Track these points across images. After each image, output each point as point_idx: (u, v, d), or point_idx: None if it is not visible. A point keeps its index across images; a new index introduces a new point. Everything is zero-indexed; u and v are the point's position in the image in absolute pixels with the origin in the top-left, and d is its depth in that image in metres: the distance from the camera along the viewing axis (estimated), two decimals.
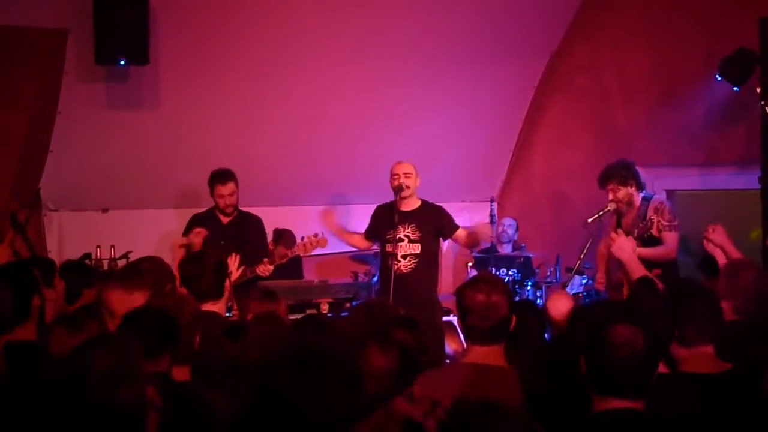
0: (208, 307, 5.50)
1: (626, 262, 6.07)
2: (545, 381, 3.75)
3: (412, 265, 8.09)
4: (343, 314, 8.50)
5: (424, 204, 8.30)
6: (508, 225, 10.69)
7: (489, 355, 4.43)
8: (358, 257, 10.46)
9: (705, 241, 6.70)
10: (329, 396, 3.11)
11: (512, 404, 3.82)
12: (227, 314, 6.32)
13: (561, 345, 3.98)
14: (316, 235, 8.26)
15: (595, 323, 3.77)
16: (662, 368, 4.20)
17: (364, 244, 8.63)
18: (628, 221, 8.29)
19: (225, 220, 8.50)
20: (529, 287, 9.69)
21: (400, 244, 8.08)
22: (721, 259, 6.51)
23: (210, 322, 5.01)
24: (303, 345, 3.29)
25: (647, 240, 7.87)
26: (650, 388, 3.61)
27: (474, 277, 4.76)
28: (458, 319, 4.54)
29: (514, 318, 4.52)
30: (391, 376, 3.71)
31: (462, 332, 4.55)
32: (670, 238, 8.21)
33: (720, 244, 6.59)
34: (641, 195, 8.41)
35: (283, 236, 9.74)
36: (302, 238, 8.29)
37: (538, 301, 9.55)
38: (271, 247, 9.26)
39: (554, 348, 3.94)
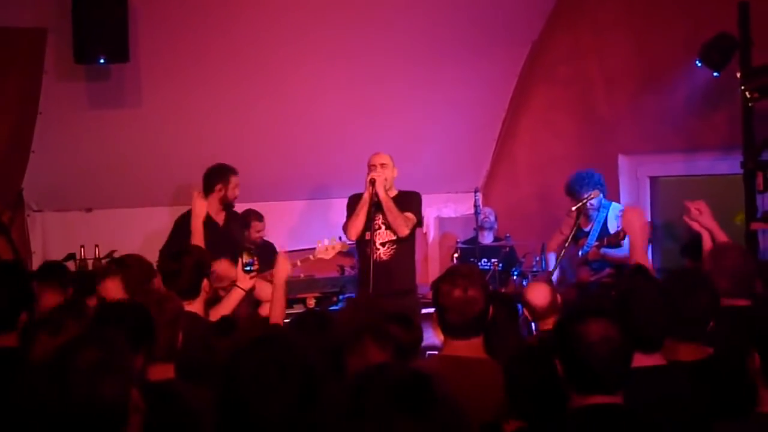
0: (185, 307, 5.45)
1: (634, 237, 6.12)
2: (528, 374, 3.73)
3: (392, 252, 8.09)
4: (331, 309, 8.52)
5: (401, 193, 8.29)
6: (489, 212, 10.66)
7: (468, 348, 4.44)
8: (345, 251, 10.44)
9: (690, 220, 6.71)
10: (284, 405, 3.10)
11: (493, 397, 3.84)
12: None
13: (545, 338, 3.97)
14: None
15: (563, 322, 3.75)
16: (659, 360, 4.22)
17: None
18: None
19: (219, 218, 8.50)
20: (515, 277, 9.69)
21: (378, 231, 8.06)
22: (708, 242, 6.53)
23: (190, 321, 5.01)
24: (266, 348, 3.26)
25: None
26: (628, 379, 3.60)
27: (449, 270, 4.76)
28: (435, 314, 4.53)
29: (491, 309, 4.54)
30: None
31: (439, 327, 4.54)
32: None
33: (708, 227, 6.60)
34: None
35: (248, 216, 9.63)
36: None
37: None
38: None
39: (538, 340, 3.92)
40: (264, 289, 7.01)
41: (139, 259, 5.80)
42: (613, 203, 9.00)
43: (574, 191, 8.90)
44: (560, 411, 3.61)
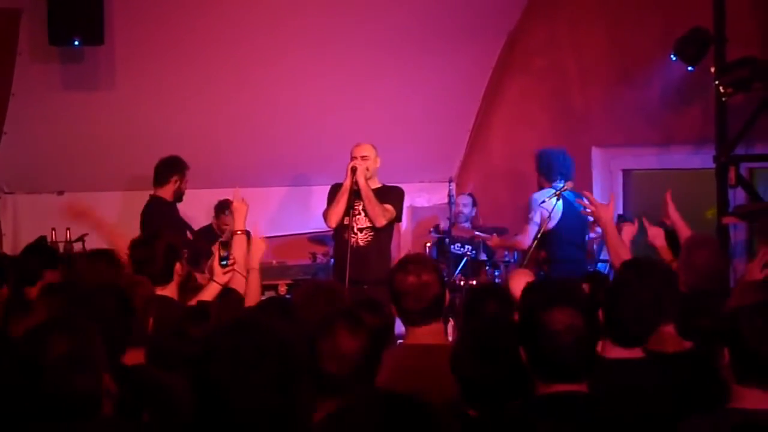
0: (158, 291, 5.38)
1: (606, 225, 6.14)
2: (477, 363, 3.74)
3: (369, 239, 8.08)
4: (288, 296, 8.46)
5: (384, 187, 8.29)
6: (464, 204, 10.66)
7: (429, 334, 4.47)
8: (317, 238, 10.45)
9: (666, 217, 6.77)
10: (262, 389, 3.10)
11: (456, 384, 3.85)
12: None
13: (494, 327, 3.97)
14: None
15: (527, 310, 3.75)
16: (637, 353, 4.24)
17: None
18: None
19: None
20: (487, 267, 9.71)
21: (357, 217, 8.06)
22: (684, 234, 6.58)
23: (163, 306, 4.99)
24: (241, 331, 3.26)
25: None
26: (593, 368, 3.61)
27: (401, 259, 4.78)
28: (393, 303, 4.56)
29: (447, 294, 4.56)
30: (357, 358, 3.70)
31: (400, 317, 4.56)
32: (523, 230, 8.90)
33: (674, 220, 6.66)
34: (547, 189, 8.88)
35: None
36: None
37: (496, 280, 9.58)
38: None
39: (487, 329, 3.92)
40: (240, 282, 6.95)
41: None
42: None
43: (548, 169, 8.91)
44: (514, 400, 3.63)
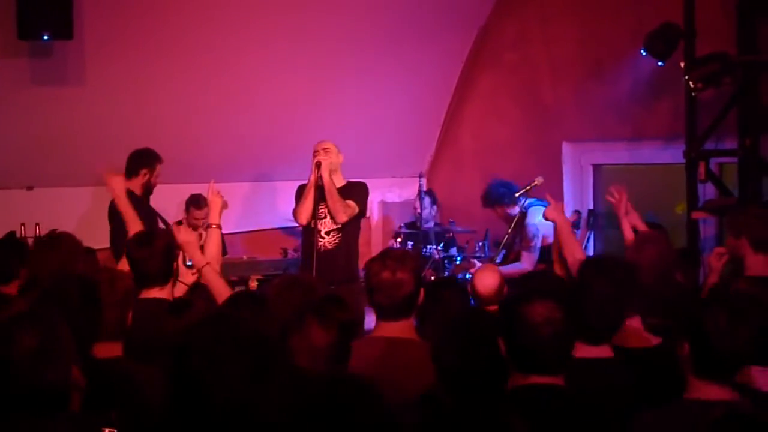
0: (154, 293, 5.35)
1: (561, 227, 6.17)
2: (456, 356, 3.76)
3: (336, 241, 8.09)
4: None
5: (348, 183, 8.29)
6: (426, 205, 10.54)
7: (398, 329, 4.51)
8: (288, 233, 10.43)
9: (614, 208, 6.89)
10: (238, 380, 3.10)
11: (424, 376, 3.87)
12: None
13: (473, 319, 3.99)
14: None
15: (508, 302, 3.80)
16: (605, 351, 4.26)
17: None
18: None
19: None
20: (458, 262, 9.71)
21: (323, 220, 8.06)
22: (627, 230, 6.66)
23: (155, 308, 4.99)
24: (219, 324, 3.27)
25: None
26: (569, 362, 3.65)
27: (382, 252, 4.84)
28: (366, 295, 4.58)
29: (422, 293, 4.57)
30: (328, 352, 3.72)
31: (371, 308, 4.60)
32: (526, 259, 8.91)
33: (625, 215, 6.76)
34: (516, 208, 8.93)
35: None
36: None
37: (467, 275, 9.58)
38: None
39: (466, 322, 3.94)
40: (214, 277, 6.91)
41: (69, 236, 5.77)
42: (529, 208, 8.96)
43: (502, 195, 9.01)
44: (491, 392, 3.65)
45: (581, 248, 6.38)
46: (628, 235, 6.61)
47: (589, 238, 10.04)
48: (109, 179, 6.99)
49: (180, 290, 5.78)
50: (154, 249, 5.43)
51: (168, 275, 5.48)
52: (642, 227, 6.66)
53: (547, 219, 6.53)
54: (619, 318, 4.40)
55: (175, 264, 5.59)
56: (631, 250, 5.80)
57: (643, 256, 5.56)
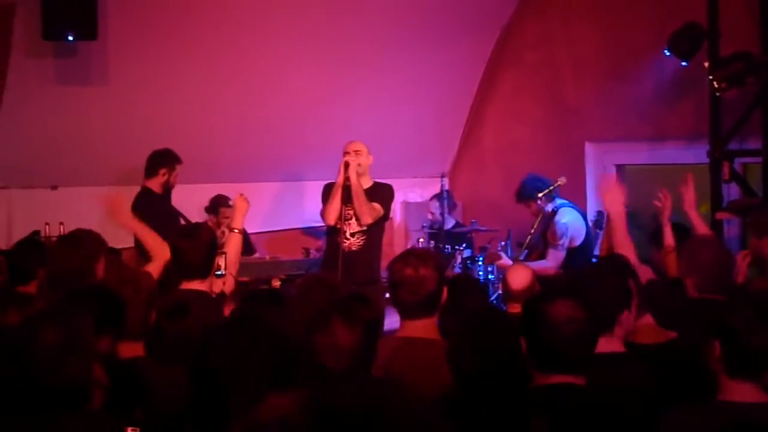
0: (195, 285, 5.40)
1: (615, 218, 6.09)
2: (472, 356, 3.76)
3: (361, 243, 8.08)
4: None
5: (375, 184, 8.28)
6: (434, 209, 10.51)
7: (421, 328, 4.50)
8: (310, 233, 10.45)
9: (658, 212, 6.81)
10: (258, 379, 3.11)
11: (442, 377, 3.87)
12: None
13: (490, 320, 3.99)
14: None
15: (531, 301, 3.80)
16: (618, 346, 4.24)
17: None
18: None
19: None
20: (480, 262, 9.70)
21: (349, 222, 8.06)
22: (668, 234, 6.60)
23: (195, 300, 4.99)
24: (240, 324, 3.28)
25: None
26: (592, 361, 3.64)
27: (405, 251, 4.89)
28: (390, 293, 4.59)
29: (445, 291, 4.56)
30: (353, 352, 3.72)
31: (394, 307, 4.60)
32: (552, 256, 8.72)
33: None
34: (550, 205, 8.80)
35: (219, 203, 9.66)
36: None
37: (490, 276, 9.57)
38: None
39: (482, 323, 3.94)
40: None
41: (91, 233, 5.78)
42: (560, 207, 8.87)
43: (531, 190, 8.90)
44: (508, 393, 3.65)
45: (633, 246, 6.18)
46: (669, 240, 6.57)
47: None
48: (110, 212, 6.82)
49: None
50: (199, 240, 5.49)
51: (209, 269, 5.52)
52: (703, 229, 6.62)
53: (605, 204, 6.39)
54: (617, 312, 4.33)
55: (215, 258, 5.63)
56: (687, 253, 5.70)
57: (699, 260, 5.50)
